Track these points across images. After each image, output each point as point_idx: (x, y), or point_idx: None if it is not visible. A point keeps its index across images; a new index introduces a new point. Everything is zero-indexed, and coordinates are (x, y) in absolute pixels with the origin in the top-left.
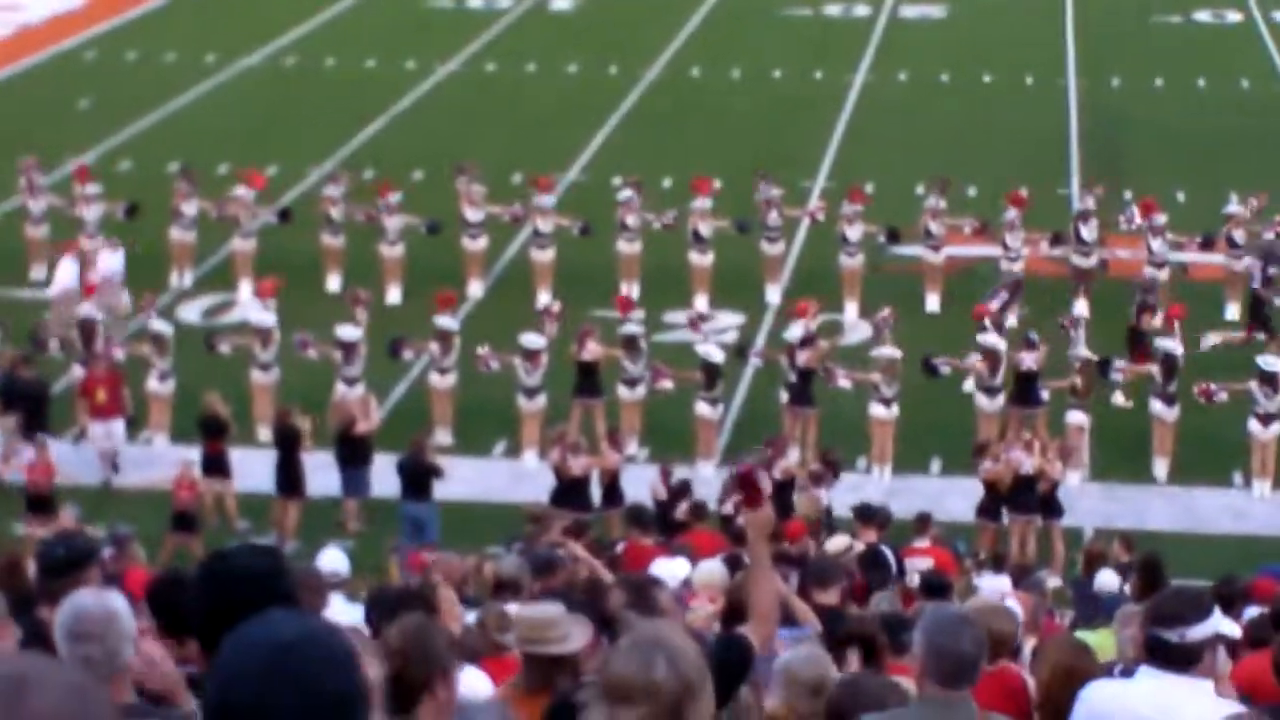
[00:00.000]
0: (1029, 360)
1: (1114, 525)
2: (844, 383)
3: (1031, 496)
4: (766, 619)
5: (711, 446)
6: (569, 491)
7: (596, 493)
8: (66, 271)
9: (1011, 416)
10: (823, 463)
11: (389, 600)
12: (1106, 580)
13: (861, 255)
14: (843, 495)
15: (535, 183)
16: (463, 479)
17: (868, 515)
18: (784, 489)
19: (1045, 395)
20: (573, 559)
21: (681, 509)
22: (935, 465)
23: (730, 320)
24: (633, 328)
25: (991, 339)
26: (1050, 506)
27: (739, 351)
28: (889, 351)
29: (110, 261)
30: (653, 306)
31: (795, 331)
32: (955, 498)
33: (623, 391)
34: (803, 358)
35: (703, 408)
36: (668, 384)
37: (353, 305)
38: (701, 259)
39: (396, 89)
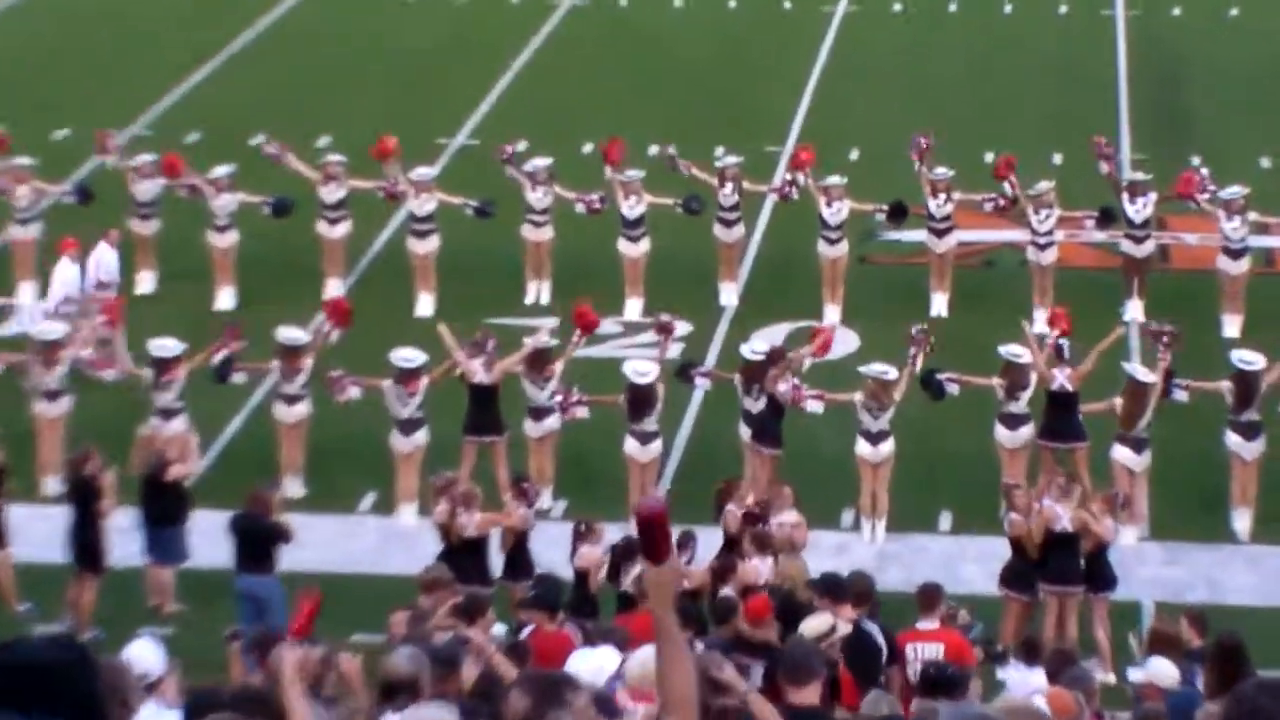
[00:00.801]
0: (1062, 378)
1: (1181, 599)
2: (813, 405)
3: (1072, 561)
4: (683, 708)
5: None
6: (460, 558)
7: (498, 560)
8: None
9: (1044, 454)
10: (747, 516)
11: (218, 706)
12: (1160, 671)
13: (846, 242)
14: (822, 560)
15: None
16: (318, 543)
17: (834, 590)
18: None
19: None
20: (468, 650)
21: (630, 577)
22: (945, 520)
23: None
24: (544, 338)
25: (1015, 349)
26: (1097, 574)
27: (680, 371)
28: (879, 369)
29: None
30: (565, 311)
31: (759, 345)
32: (971, 564)
33: (529, 426)
34: (774, 384)
35: (630, 446)
36: (581, 413)
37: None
38: (632, 249)
39: (229, 30)
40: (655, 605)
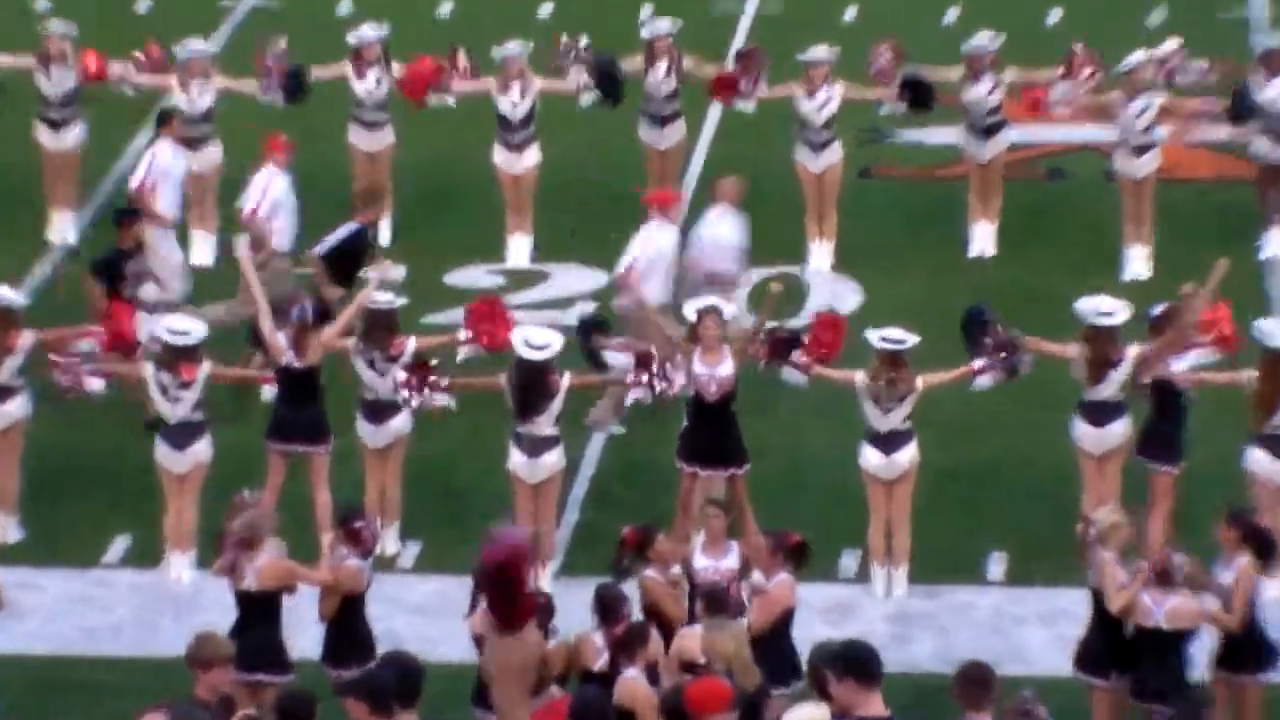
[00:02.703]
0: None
1: None
2: (795, 376)
3: (1169, 666)
4: None
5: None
6: (251, 626)
7: (313, 633)
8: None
9: (1155, 479)
10: (777, 548)
11: None
12: None
13: (839, 147)
14: (813, 628)
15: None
16: (40, 611)
17: (856, 667)
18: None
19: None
20: None
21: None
22: (995, 565)
23: (575, 280)
24: (380, 297)
25: (1103, 304)
26: (1242, 652)
27: (584, 334)
28: (894, 336)
29: None
30: (422, 252)
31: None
32: (1037, 627)
33: (366, 430)
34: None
35: (516, 459)
36: (440, 402)
37: None
38: (514, 160)
39: None
40: (500, 697)
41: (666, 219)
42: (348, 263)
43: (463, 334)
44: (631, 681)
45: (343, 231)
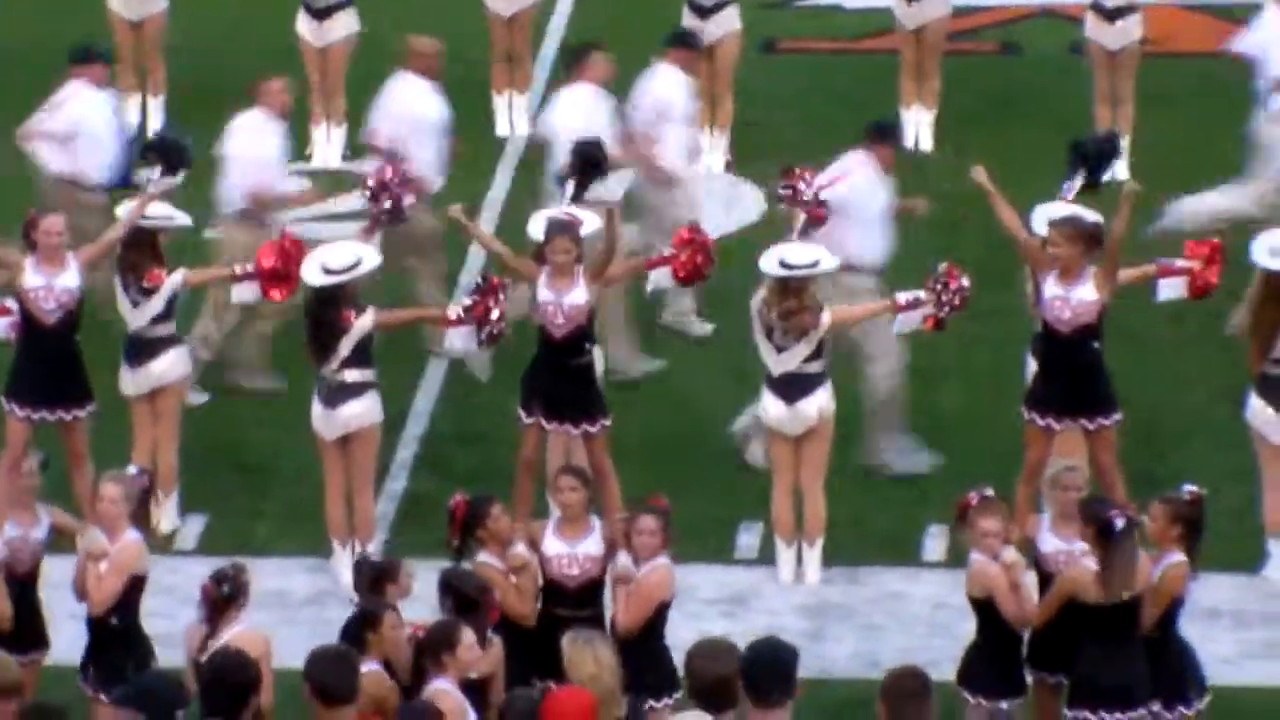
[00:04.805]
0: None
1: None
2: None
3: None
4: None
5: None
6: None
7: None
8: None
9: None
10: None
11: None
12: None
13: (735, 14)
14: (706, 621)
15: None
16: None
17: (758, 677)
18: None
19: None
20: None
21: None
22: (933, 544)
23: None
24: (153, 211)
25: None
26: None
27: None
28: (796, 256)
29: None
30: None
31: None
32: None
33: (126, 377)
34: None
35: (316, 411)
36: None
37: None
38: (316, 31)
39: None
40: None
41: None
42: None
43: (238, 268)
44: (442, 695)
45: None
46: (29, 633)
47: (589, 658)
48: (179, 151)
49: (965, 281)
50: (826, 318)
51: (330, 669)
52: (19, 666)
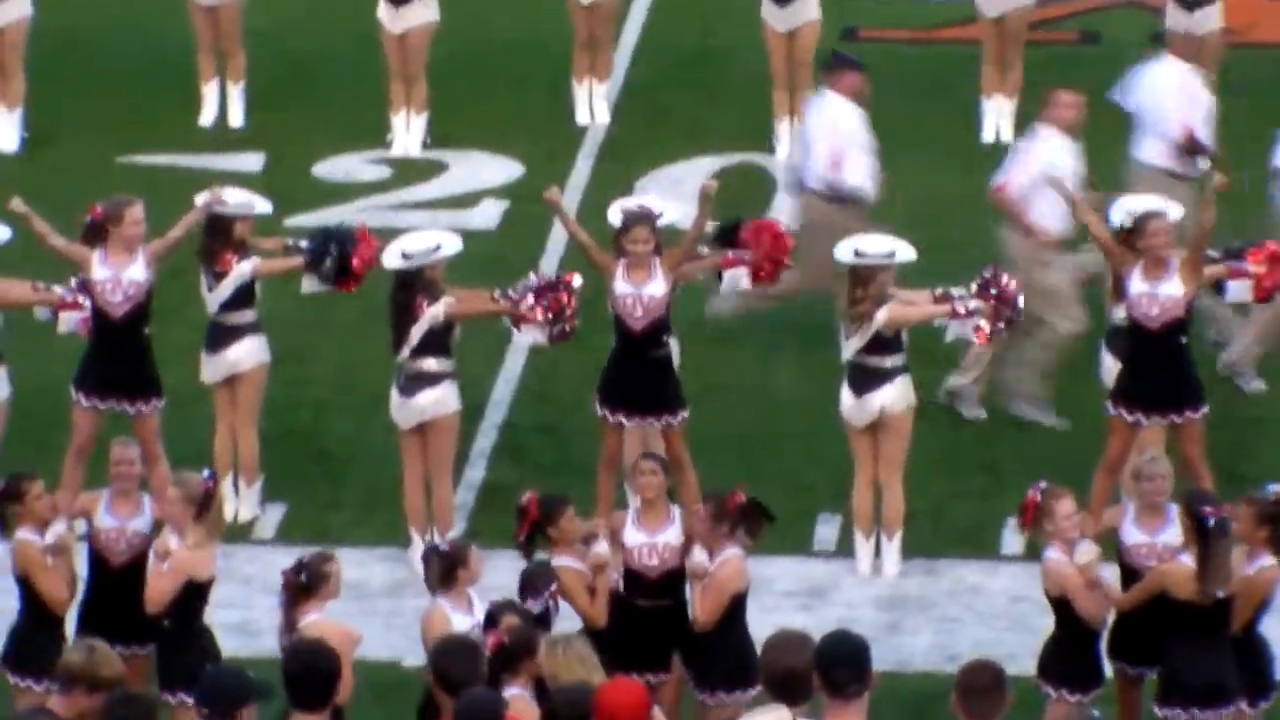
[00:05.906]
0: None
1: None
2: (729, 294)
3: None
4: None
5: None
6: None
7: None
8: None
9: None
10: (717, 512)
11: None
12: None
13: (815, 2)
14: (783, 613)
15: None
16: None
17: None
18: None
19: None
20: None
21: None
22: (1012, 538)
23: (480, 173)
24: (231, 197)
25: None
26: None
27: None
28: (872, 247)
29: None
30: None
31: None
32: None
33: (207, 364)
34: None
35: (392, 399)
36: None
37: None
38: (396, 18)
39: None
40: None
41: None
42: None
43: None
44: (518, 702)
45: None
46: (129, 624)
47: (573, 661)
48: None
49: (1014, 284)
50: (882, 315)
51: (456, 659)
52: (119, 660)
